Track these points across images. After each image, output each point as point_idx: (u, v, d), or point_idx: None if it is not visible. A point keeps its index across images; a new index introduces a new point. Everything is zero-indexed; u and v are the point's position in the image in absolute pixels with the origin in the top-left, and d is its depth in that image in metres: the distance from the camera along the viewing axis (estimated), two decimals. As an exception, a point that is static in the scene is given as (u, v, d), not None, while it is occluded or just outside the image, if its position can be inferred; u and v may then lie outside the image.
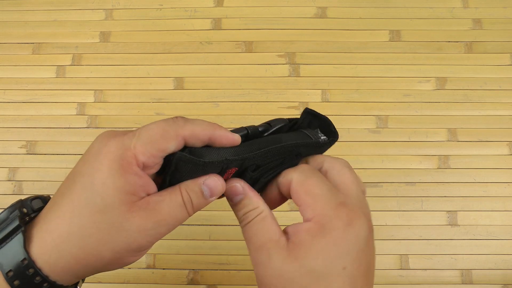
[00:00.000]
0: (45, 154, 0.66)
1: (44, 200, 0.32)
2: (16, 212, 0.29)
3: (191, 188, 0.32)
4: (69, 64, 0.70)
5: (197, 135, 0.30)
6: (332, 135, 0.36)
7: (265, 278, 0.30)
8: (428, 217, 0.63)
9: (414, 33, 0.70)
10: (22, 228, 0.28)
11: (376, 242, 0.62)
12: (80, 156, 0.31)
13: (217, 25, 0.71)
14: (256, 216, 0.32)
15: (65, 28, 0.71)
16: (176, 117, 0.31)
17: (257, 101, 0.68)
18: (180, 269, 0.62)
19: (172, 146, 0.30)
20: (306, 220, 0.31)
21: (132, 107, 0.68)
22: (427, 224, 0.63)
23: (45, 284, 0.28)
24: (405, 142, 0.66)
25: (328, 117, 0.36)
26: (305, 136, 0.35)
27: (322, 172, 0.35)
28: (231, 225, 0.63)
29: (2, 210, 0.30)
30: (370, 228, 0.32)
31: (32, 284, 0.28)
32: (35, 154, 0.66)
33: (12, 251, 0.28)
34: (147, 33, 0.71)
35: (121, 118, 0.67)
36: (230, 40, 0.71)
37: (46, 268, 0.28)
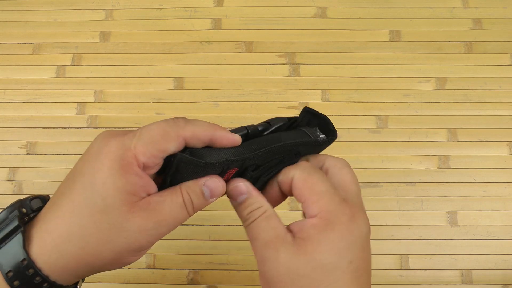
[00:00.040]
0: (45, 154, 0.66)
1: (44, 199, 0.32)
2: (16, 212, 0.29)
3: (192, 189, 0.32)
4: (69, 64, 0.70)
5: (198, 136, 0.30)
6: (330, 133, 0.36)
7: (273, 275, 0.31)
8: (428, 217, 0.63)
9: (414, 33, 0.70)
10: (22, 228, 0.28)
11: (376, 242, 0.63)
12: (80, 156, 0.31)
13: (217, 25, 0.71)
14: (261, 215, 0.33)
15: (65, 28, 0.71)
16: (177, 117, 0.31)
17: (257, 101, 0.68)
18: (180, 269, 0.62)
19: (173, 146, 0.30)
20: (310, 216, 0.32)
21: (132, 107, 0.68)
22: (427, 224, 0.63)
23: (45, 284, 0.28)
24: (405, 142, 0.66)
25: (328, 117, 0.37)
26: (304, 134, 0.36)
27: (323, 170, 0.35)
28: (231, 225, 0.63)
29: (2, 210, 0.30)
30: (369, 226, 0.33)
31: (32, 284, 0.28)
32: (35, 154, 0.66)
33: (12, 252, 0.28)
34: (147, 33, 0.71)
35: (121, 118, 0.67)
36: (230, 40, 0.71)
37: (46, 268, 0.28)
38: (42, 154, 0.66)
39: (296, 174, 0.33)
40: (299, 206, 0.36)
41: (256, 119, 0.36)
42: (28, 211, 0.30)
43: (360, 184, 0.63)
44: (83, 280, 0.33)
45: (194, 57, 0.70)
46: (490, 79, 0.68)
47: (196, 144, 0.31)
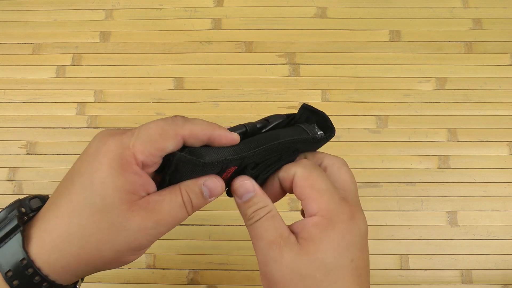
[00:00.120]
0: (45, 154, 0.66)
1: (43, 199, 0.32)
2: (15, 212, 0.29)
3: (191, 188, 0.32)
4: (69, 64, 0.70)
5: (196, 135, 0.30)
6: (329, 130, 0.36)
7: (276, 275, 0.31)
8: (428, 217, 0.63)
9: (414, 33, 0.70)
10: (21, 228, 0.28)
11: (376, 242, 0.63)
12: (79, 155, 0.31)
13: (217, 25, 0.71)
14: (266, 214, 0.33)
15: (65, 28, 0.72)
16: (176, 116, 0.31)
17: (257, 101, 0.68)
18: (180, 269, 0.62)
19: (171, 145, 0.30)
20: (310, 214, 0.32)
21: (132, 107, 0.68)
22: (427, 224, 0.63)
23: (44, 284, 0.28)
24: (405, 142, 0.66)
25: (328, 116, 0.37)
26: (302, 131, 0.36)
27: (321, 168, 0.35)
28: (231, 225, 0.63)
29: (1, 210, 0.30)
30: (367, 225, 0.33)
31: (31, 284, 0.28)
32: (35, 154, 0.66)
33: (11, 251, 0.28)
34: (147, 33, 0.71)
35: (121, 118, 0.68)
36: (230, 40, 0.71)
37: (46, 267, 0.28)
38: (42, 154, 0.66)
39: (297, 172, 0.33)
40: (299, 206, 0.36)
41: (256, 119, 0.36)
42: (27, 210, 0.30)
43: (360, 184, 0.63)
44: (82, 279, 0.33)
45: (194, 57, 0.70)
46: (490, 79, 0.68)
47: (194, 143, 0.31)
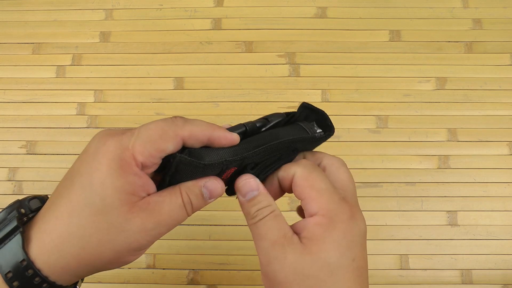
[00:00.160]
0: (45, 154, 0.66)
1: (42, 199, 0.32)
2: (14, 213, 0.29)
3: (191, 190, 0.32)
4: (69, 64, 0.70)
5: (196, 136, 0.30)
6: (328, 129, 0.36)
7: (280, 275, 0.30)
8: (428, 217, 0.63)
9: (414, 33, 0.70)
10: (21, 229, 0.28)
11: (376, 242, 0.63)
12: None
13: (217, 25, 0.71)
14: (269, 213, 0.32)
15: (65, 28, 0.72)
16: (175, 116, 0.31)
17: (257, 101, 0.68)
18: (180, 269, 0.62)
19: (171, 146, 0.30)
20: (310, 214, 0.32)
21: (132, 107, 0.68)
22: (427, 224, 0.63)
23: (44, 285, 0.28)
24: (405, 142, 0.66)
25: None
26: (301, 129, 0.36)
27: (320, 168, 0.35)
28: (231, 225, 0.63)
29: (0, 210, 0.30)
30: (366, 225, 0.33)
31: (31, 284, 0.28)
32: (35, 154, 0.66)
33: (11, 252, 0.28)
34: (147, 33, 0.71)
35: (121, 118, 0.68)
36: (230, 40, 0.71)
37: (46, 268, 0.28)
38: (42, 154, 0.66)
39: (297, 172, 0.33)
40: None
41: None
42: (27, 211, 0.30)
43: (360, 184, 0.63)
44: (82, 280, 0.33)
45: (194, 57, 0.70)
46: (490, 79, 0.68)
47: (194, 144, 0.31)
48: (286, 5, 0.72)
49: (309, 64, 0.69)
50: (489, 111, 0.67)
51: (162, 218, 0.30)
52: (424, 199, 0.63)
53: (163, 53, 0.70)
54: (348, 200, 0.33)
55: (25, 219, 0.30)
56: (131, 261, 0.31)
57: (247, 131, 0.34)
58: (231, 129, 0.33)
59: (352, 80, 0.68)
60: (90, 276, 0.31)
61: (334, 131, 0.36)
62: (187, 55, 0.70)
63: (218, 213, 0.63)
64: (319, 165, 0.36)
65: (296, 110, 0.37)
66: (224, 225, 0.63)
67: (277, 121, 0.36)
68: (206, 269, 0.62)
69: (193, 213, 0.32)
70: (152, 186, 0.31)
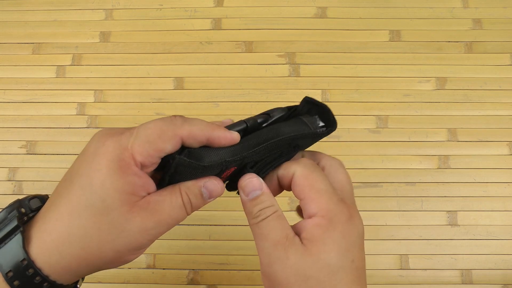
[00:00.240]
0: (45, 154, 0.66)
1: (42, 199, 0.32)
2: (14, 212, 0.29)
3: (191, 190, 0.32)
4: (69, 64, 0.70)
5: (195, 135, 0.30)
6: (330, 124, 0.36)
7: (281, 275, 0.30)
8: (428, 217, 0.63)
9: (414, 33, 0.70)
10: (21, 228, 0.28)
11: (376, 242, 0.63)
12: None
13: (217, 25, 0.71)
14: (272, 214, 0.32)
15: (65, 28, 0.72)
16: (175, 116, 0.31)
17: (257, 101, 0.68)
18: (180, 269, 0.62)
19: (169, 146, 0.30)
20: (309, 214, 0.32)
21: (132, 107, 0.68)
22: (427, 224, 0.63)
23: (45, 284, 0.28)
24: (405, 142, 0.66)
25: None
26: (303, 125, 0.35)
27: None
28: (231, 225, 0.63)
29: (0, 210, 0.30)
30: (363, 226, 0.33)
31: (32, 284, 0.28)
32: (35, 154, 0.66)
33: (12, 252, 0.28)
34: (147, 33, 0.71)
35: (121, 118, 0.67)
36: (230, 40, 0.71)
37: (46, 268, 0.28)
38: (42, 154, 0.66)
39: (297, 171, 0.33)
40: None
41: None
42: (27, 211, 0.30)
43: (360, 184, 0.63)
44: (83, 279, 0.33)
45: (194, 57, 0.70)
46: (490, 79, 0.68)
47: (192, 143, 0.31)
48: (286, 5, 0.72)
49: (309, 64, 0.69)
50: (489, 111, 0.67)
51: (162, 218, 0.30)
52: (424, 199, 0.63)
53: (163, 53, 0.70)
54: (346, 201, 0.33)
55: (25, 218, 0.30)
56: (131, 260, 0.31)
57: (248, 127, 0.34)
58: (232, 126, 0.33)
59: (352, 80, 0.68)
60: (90, 276, 0.31)
61: (336, 126, 0.36)
62: (187, 55, 0.70)
63: (218, 213, 0.63)
64: (317, 164, 0.36)
65: (297, 105, 0.37)
66: (224, 225, 0.63)
67: (278, 116, 0.35)
68: (206, 269, 0.62)
69: (192, 212, 0.32)
70: (152, 185, 0.31)
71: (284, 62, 0.69)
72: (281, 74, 0.69)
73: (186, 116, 0.32)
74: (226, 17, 0.72)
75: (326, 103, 0.36)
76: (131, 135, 0.29)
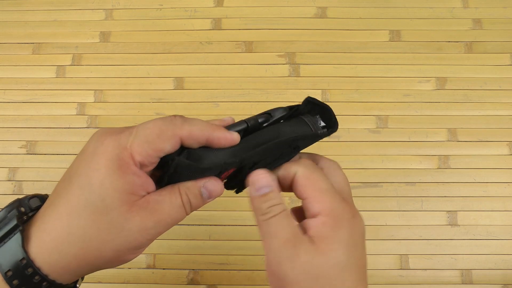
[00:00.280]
0: (45, 154, 0.66)
1: (42, 198, 0.32)
2: (14, 212, 0.29)
3: (190, 190, 0.32)
4: (69, 64, 0.70)
5: (194, 136, 0.30)
6: (332, 124, 0.36)
7: (291, 274, 0.30)
8: (428, 217, 0.63)
9: (414, 33, 0.70)
10: (20, 228, 0.28)
11: (376, 242, 0.63)
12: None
13: (217, 25, 0.71)
14: (281, 211, 0.32)
15: (65, 28, 0.72)
16: (174, 116, 0.31)
17: (257, 101, 0.68)
18: (180, 269, 0.62)
19: (168, 146, 0.29)
20: (312, 213, 0.32)
21: (132, 107, 0.68)
22: (427, 224, 0.63)
23: (44, 283, 0.28)
24: (405, 142, 0.66)
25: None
26: (304, 125, 0.35)
27: None
28: (231, 225, 0.63)
29: (0, 209, 0.30)
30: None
31: (31, 283, 0.28)
32: (35, 154, 0.66)
33: (11, 251, 0.28)
34: (147, 33, 0.71)
35: (121, 118, 0.68)
36: (230, 40, 0.71)
37: (46, 267, 0.28)
38: (42, 154, 0.66)
39: (299, 171, 0.33)
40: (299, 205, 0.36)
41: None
42: (27, 210, 0.30)
43: (360, 184, 0.63)
44: (82, 278, 0.33)
45: (194, 57, 0.70)
46: (490, 79, 0.68)
47: (192, 144, 0.31)
48: (286, 5, 0.72)
49: (309, 64, 0.69)
50: (489, 111, 0.67)
51: (161, 218, 0.30)
52: (424, 199, 0.63)
53: (163, 53, 0.70)
54: (347, 200, 0.33)
55: (25, 217, 0.30)
56: (131, 260, 0.31)
57: (249, 127, 0.33)
58: (232, 126, 0.33)
59: (352, 80, 0.68)
60: (90, 275, 0.31)
61: (337, 127, 0.35)
62: (187, 55, 0.70)
63: (218, 213, 0.63)
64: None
65: (300, 104, 0.37)
66: (224, 225, 0.63)
67: (280, 116, 0.35)
68: (206, 269, 0.62)
69: (191, 211, 0.32)
70: (151, 184, 0.31)
71: (284, 62, 0.69)
72: (281, 74, 0.69)
73: (186, 116, 0.32)
74: (226, 17, 0.72)
75: (326, 103, 0.36)
76: (130, 134, 0.29)
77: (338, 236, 0.30)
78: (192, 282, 0.61)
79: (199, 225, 0.63)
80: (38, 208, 0.31)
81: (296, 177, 0.33)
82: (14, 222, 0.28)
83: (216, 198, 0.33)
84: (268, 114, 0.35)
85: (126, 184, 0.28)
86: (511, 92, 0.67)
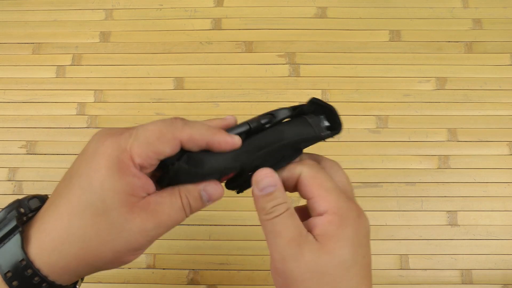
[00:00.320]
0: (45, 154, 0.66)
1: (42, 199, 0.32)
2: (14, 213, 0.29)
3: (191, 193, 0.32)
4: (69, 64, 0.70)
5: (195, 139, 0.30)
6: (335, 126, 0.35)
7: (296, 273, 0.30)
8: (428, 217, 0.63)
9: (414, 33, 0.70)
10: (20, 229, 0.28)
11: (376, 242, 0.63)
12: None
13: (217, 25, 0.71)
14: (286, 210, 0.32)
15: (65, 28, 0.72)
16: (175, 118, 0.31)
17: (257, 101, 0.68)
18: (180, 269, 0.62)
19: (168, 149, 0.29)
20: (319, 212, 0.32)
21: (132, 107, 0.68)
22: (427, 224, 0.63)
23: (44, 284, 0.28)
24: (405, 142, 0.66)
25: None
26: (307, 126, 0.34)
27: None
28: (231, 225, 0.63)
29: (0, 210, 0.30)
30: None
31: (30, 284, 0.28)
32: (35, 154, 0.66)
33: (10, 252, 0.28)
34: (147, 33, 0.71)
35: (121, 118, 0.67)
36: (230, 40, 0.71)
37: (45, 268, 0.28)
38: (42, 154, 0.66)
39: (303, 171, 0.33)
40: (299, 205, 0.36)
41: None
42: (26, 211, 0.30)
43: (360, 184, 0.63)
44: (82, 279, 0.33)
45: (194, 57, 0.70)
46: (490, 79, 0.68)
47: (192, 147, 0.31)
48: (286, 5, 0.72)
49: (309, 64, 0.69)
50: (489, 111, 0.67)
51: (162, 219, 0.30)
52: (424, 199, 0.63)
53: (163, 53, 0.70)
54: (353, 199, 0.33)
55: (24, 218, 0.30)
56: (131, 261, 0.31)
57: (251, 130, 0.33)
58: (234, 129, 0.33)
59: (352, 80, 0.68)
60: (89, 276, 0.31)
61: (342, 129, 0.35)
62: (187, 55, 0.70)
63: (218, 213, 0.63)
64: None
65: (304, 103, 0.36)
66: (224, 225, 0.63)
67: (283, 117, 0.35)
68: (206, 269, 0.62)
69: (191, 214, 0.32)
70: (151, 185, 0.31)
71: (284, 62, 0.69)
72: (281, 74, 0.69)
73: (186, 116, 0.32)
74: (226, 17, 0.72)
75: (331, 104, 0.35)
76: (130, 136, 0.29)
77: (343, 235, 0.31)
78: (192, 282, 0.61)
79: (199, 225, 0.63)
80: (37, 209, 0.31)
81: (301, 177, 0.33)
82: (13, 223, 0.28)
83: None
84: (271, 115, 0.34)
85: (126, 186, 0.28)
86: (511, 92, 0.67)
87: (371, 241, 0.62)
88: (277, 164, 0.34)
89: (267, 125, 0.34)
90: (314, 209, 0.32)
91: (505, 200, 0.63)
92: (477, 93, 0.67)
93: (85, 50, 0.70)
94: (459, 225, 0.63)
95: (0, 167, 0.66)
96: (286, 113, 0.35)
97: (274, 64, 0.69)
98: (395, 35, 0.70)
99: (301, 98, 0.67)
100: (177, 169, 0.30)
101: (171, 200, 0.31)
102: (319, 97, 0.66)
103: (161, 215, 0.30)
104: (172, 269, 0.62)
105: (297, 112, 0.36)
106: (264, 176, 0.33)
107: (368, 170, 0.65)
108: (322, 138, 0.35)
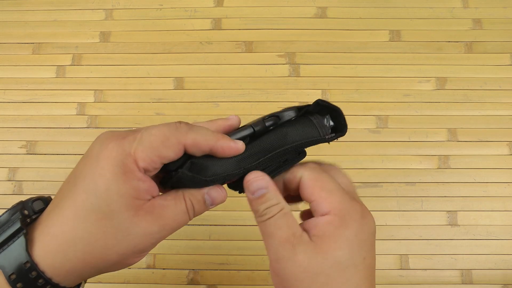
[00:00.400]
0: (45, 154, 0.66)
1: (45, 201, 0.32)
2: (18, 214, 0.29)
3: (194, 196, 0.32)
4: (69, 64, 0.70)
5: (199, 145, 0.30)
6: (341, 128, 0.35)
7: (290, 273, 0.30)
8: (428, 217, 0.63)
9: (414, 33, 0.70)
10: (24, 231, 0.28)
11: (376, 242, 0.62)
12: (80, 156, 0.31)
13: (217, 25, 0.71)
14: (278, 212, 0.32)
15: (65, 28, 0.71)
16: (180, 122, 0.31)
17: (257, 101, 0.68)
18: (180, 269, 0.62)
19: (172, 153, 0.30)
20: (321, 213, 0.32)
21: (132, 107, 0.68)
22: (427, 224, 0.63)
23: (48, 287, 0.28)
24: (405, 142, 0.66)
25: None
26: (312, 128, 0.34)
27: None
28: (231, 225, 0.63)
29: (4, 211, 0.30)
30: (375, 224, 0.33)
31: (35, 286, 0.28)
32: (35, 154, 0.66)
33: (15, 254, 0.28)
34: (147, 33, 0.71)
35: (121, 118, 0.67)
36: (230, 40, 0.71)
37: (50, 270, 0.28)
38: (42, 154, 0.66)
39: (305, 174, 0.33)
40: (299, 206, 0.36)
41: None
42: (30, 213, 0.30)
43: (360, 184, 0.63)
44: (85, 281, 0.33)
45: (194, 57, 0.70)
46: (490, 79, 0.68)
47: (195, 152, 0.31)
48: (286, 5, 0.72)
49: (309, 64, 0.69)
50: (489, 111, 0.67)
51: (166, 222, 0.30)
52: (424, 199, 0.64)
53: (163, 53, 0.70)
54: (358, 200, 0.33)
55: (28, 220, 0.30)
56: (134, 263, 0.31)
57: (255, 133, 0.33)
58: (238, 132, 0.33)
59: (352, 80, 0.68)
60: (94, 276, 0.31)
61: (346, 131, 0.35)
62: (187, 55, 0.70)
63: (218, 213, 0.63)
64: None
65: (309, 103, 0.36)
66: (224, 225, 0.63)
67: (288, 119, 0.35)
68: (206, 269, 0.62)
69: (194, 217, 0.33)
70: (155, 188, 0.31)
71: (284, 62, 0.69)
72: (281, 74, 0.69)
73: (186, 117, 0.32)
74: (226, 17, 0.71)
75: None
76: (134, 140, 0.29)
77: (342, 236, 0.30)
78: (192, 282, 0.61)
79: (199, 225, 0.63)
80: (41, 210, 0.31)
81: (303, 180, 0.33)
82: (17, 225, 0.28)
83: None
84: (276, 117, 0.34)
85: (131, 190, 0.28)
86: (511, 92, 0.67)
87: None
88: (280, 168, 0.34)
89: (271, 128, 0.34)
90: (316, 212, 0.32)
91: (505, 200, 0.63)
92: (477, 93, 0.67)
93: (85, 50, 0.70)
94: (459, 225, 0.63)
95: (0, 167, 0.66)
96: (292, 115, 0.35)
97: (274, 64, 0.69)
98: (395, 35, 0.70)
99: (301, 98, 0.67)
100: (180, 176, 0.30)
101: (175, 203, 0.31)
102: (319, 97, 0.67)
103: (166, 218, 0.30)
104: (172, 269, 0.62)
105: (302, 113, 0.35)
106: (254, 180, 0.33)
107: (368, 170, 0.65)
108: (327, 140, 0.35)
